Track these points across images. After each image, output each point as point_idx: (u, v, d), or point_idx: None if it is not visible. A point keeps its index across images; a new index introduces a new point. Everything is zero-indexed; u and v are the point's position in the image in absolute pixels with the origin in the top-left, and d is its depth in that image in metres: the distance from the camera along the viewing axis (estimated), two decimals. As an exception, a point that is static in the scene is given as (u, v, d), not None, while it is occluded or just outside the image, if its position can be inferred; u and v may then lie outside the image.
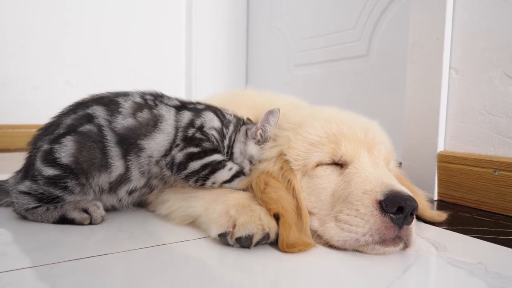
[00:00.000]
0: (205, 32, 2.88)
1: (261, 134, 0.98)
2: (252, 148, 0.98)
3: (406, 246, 0.78)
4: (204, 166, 0.91)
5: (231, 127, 1.01)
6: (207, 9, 2.87)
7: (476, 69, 1.23)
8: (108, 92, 1.03)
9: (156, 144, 0.93)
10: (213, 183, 0.92)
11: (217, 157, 0.93)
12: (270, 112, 0.97)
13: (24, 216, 0.94)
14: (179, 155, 0.92)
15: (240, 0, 2.99)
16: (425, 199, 1.05)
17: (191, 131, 0.95)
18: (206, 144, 0.94)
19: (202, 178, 0.92)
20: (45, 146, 0.93)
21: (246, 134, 1.01)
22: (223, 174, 0.92)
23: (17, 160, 2.07)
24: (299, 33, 2.50)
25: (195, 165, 0.91)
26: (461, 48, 1.26)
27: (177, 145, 0.93)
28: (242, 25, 3.01)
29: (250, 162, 0.98)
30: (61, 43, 2.51)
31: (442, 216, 1.04)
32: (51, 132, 0.95)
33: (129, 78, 2.72)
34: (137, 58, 2.78)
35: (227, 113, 1.04)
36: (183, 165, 0.91)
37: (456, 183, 1.27)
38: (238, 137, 1.01)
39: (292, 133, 0.90)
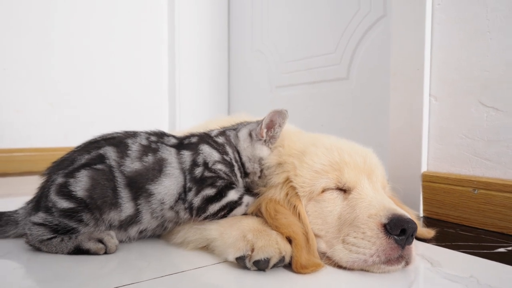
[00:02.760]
0: (187, 53, 2.94)
1: (267, 134, 1.00)
2: (260, 150, 1.01)
3: (407, 263, 0.85)
4: (223, 208, 0.95)
5: (228, 149, 1.03)
6: (189, 31, 2.94)
7: (453, 96, 1.36)
8: (118, 132, 1.06)
9: (164, 188, 0.95)
10: (233, 216, 0.97)
11: (232, 197, 0.96)
12: (277, 112, 0.99)
13: (38, 247, 0.94)
14: (196, 200, 0.95)
15: (221, 22, 3.08)
16: (415, 218, 1.14)
17: (198, 170, 0.97)
18: (219, 183, 0.96)
19: (221, 217, 0.96)
20: (60, 179, 0.94)
21: (250, 136, 1.03)
22: (241, 210, 0.97)
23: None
24: (281, 56, 2.60)
25: (214, 207, 0.95)
26: (439, 77, 1.39)
27: (190, 189, 0.96)
28: (223, 47, 3.10)
29: (260, 164, 1.01)
30: (43, 66, 2.50)
31: (431, 233, 1.14)
32: (65, 167, 0.97)
33: (112, 103, 2.74)
34: (119, 81, 2.79)
35: (215, 136, 1.06)
36: (202, 209, 0.95)
37: (439, 201, 1.38)
38: (241, 146, 1.03)
39: (297, 160, 0.97)
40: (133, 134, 1.04)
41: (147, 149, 0.98)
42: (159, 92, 2.96)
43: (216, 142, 1.04)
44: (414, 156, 1.44)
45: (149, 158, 0.97)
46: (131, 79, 2.83)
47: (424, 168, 1.44)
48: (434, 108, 1.41)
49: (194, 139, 1.05)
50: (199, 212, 0.95)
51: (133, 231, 0.99)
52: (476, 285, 0.81)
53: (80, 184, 0.93)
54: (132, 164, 0.95)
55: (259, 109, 2.75)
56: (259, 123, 1.04)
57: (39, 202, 0.99)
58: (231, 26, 3.11)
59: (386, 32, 1.90)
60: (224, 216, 0.96)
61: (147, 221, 0.97)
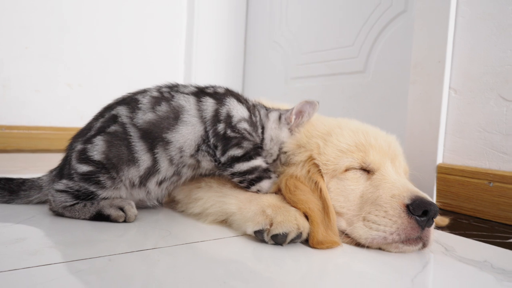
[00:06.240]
0: (204, 43, 2.96)
1: (295, 120, 1.02)
2: (285, 134, 1.02)
3: (424, 246, 0.86)
4: (251, 170, 0.96)
5: (258, 113, 1.03)
6: (207, 21, 2.96)
7: (473, 90, 1.36)
8: (128, 93, 1.07)
9: (182, 136, 0.95)
10: (258, 190, 0.97)
11: (261, 163, 0.98)
12: (309, 102, 1.00)
13: (61, 213, 0.97)
14: (223, 159, 0.96)
15: (239, 12, 3.08)
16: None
17: (220, 127, 0.96)
18: (245, 144, 0.96)
19: (247, 181, 0.97)
20: (79, 146, 0.97)
21: (279, 119, 1.04)
22: (269, 185, 0.97)
23: (15, 161, 2.04)
24: (298, 48, 2.61)
25: (241, 166, 0.96)
26: (460, 71, 1.39)
27: (216, 146, 0.96)
28: (240, 37, 3.11)
29: (279, 148, 1.02)
30: (62, 47, 2.53)
31: (445, 221, 1.15)
32: (85, 134, 1.01)
33: (128, 85, 2.76)
34: (137, 65, 2.82)
35: (248, 99, 1.06)
36: (228, 165, 0.96)
37: (453, 193, 1.39)
38: (268, 125, 1.03)
39: (321, 140, 0.98)
40: (143, 91, 1.04)
41: (159, 99, 0.98)
42: (176, 79, 2.99)
43: (246, 101, 1.04)
44: (430, 148, 1.44)
45: (163, 107, 0.96)
46: (150, 66, 2.87)
47: (439, 160, 1.44)
48: (453, 101, 1.41)
49: (220, 90, 1.03)
50: (224, 166, 0.97)
51: (152, 183, 0.99)
52: (490, 268, 0.82)
53: (97, 147, 0.94)
54: (145, 116, 0.96)
55: (273, 99, 2.75)
56: (289, 110, 1.05)
57: (62, 170, 1.02)
58: (249, 16, 3.11)
59: (406, 26, 1.89)
60: (252, 182, 0.97)
61: (165, 169, 0.97)
